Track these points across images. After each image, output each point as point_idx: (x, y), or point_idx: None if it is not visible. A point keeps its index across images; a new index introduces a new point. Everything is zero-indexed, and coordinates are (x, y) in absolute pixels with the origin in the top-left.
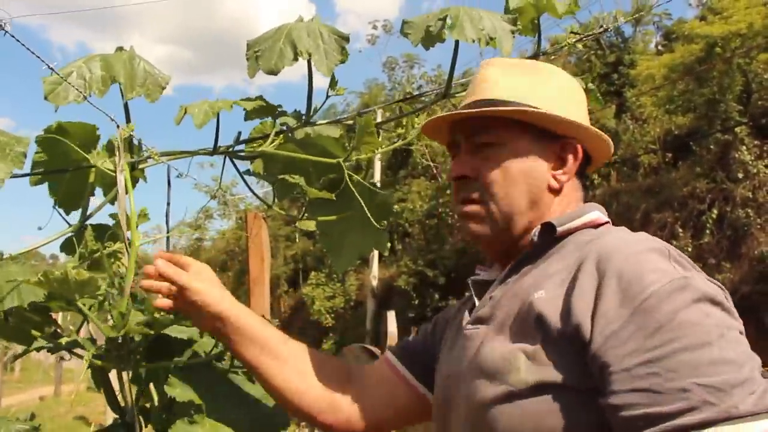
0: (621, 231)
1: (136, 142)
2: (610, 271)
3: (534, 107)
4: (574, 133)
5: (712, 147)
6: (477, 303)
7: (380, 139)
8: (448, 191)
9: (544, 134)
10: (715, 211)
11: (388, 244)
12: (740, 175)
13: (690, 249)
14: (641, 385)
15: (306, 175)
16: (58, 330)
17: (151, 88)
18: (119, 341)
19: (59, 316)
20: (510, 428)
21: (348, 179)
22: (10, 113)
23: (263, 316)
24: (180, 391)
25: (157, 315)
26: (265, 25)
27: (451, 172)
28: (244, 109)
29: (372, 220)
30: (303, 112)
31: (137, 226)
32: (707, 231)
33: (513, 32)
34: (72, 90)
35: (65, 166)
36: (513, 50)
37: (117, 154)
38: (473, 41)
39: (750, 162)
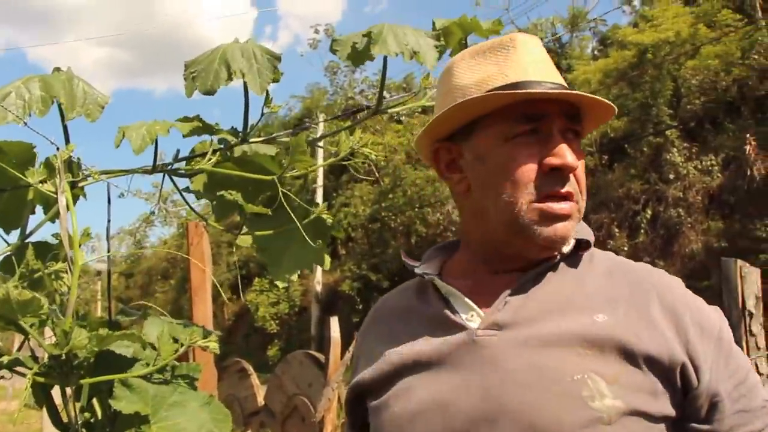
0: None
1: (75, 160)
2: (680, 309)
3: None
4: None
5: (645, 149)
6: (473, 306)
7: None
8: (390, 195)
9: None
10: (649, 211)
11: (328, 259)
12: (672, 176)
13: (626, 248)
14: (738, 407)
15: (245, 191)
16: None
17: (90, 108)
18: (63, 358)
19: None
20: None
21: (283, 197)
22: None
23: (203, 327)
24: (125, 404)
25: (101, 331)
26: (205, 27)
27: (550, 159)
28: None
29: (307, 237)
30: (240, 129)
31: (80, 245)
32: (642, 231)
33: (437, 47)
34: (11, 111)
35: (2, 186)
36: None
37: (57, 175)
38: (396, 55)
39: (680, 163)
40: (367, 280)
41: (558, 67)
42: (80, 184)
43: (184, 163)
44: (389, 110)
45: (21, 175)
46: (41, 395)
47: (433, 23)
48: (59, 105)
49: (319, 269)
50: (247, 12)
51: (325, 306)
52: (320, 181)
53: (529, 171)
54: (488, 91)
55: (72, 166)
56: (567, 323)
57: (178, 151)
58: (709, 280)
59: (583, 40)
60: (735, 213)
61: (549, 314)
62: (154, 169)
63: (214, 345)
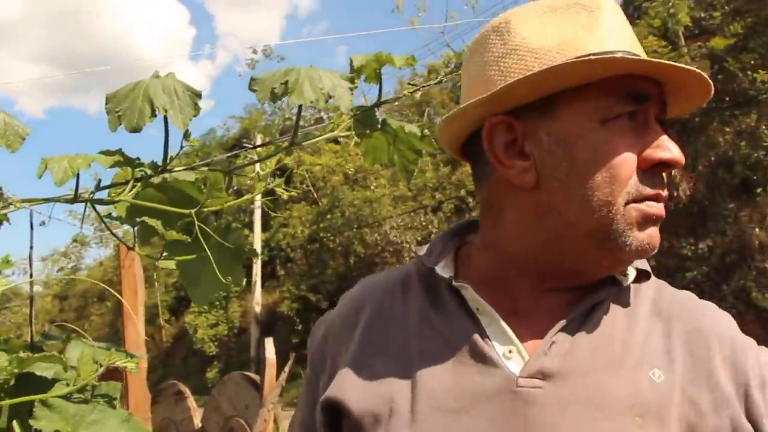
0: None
1: None
2: (740, 358)
3: None
4: None
5: None
6: (513, 338)
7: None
8: (329, 216)
9: None
10: None
11: (244, 281)
12: None
13: None
14: None
15: (166, 217)
16: None
17: (11, 138)
18: None
19: None
20: None
21: (199, 224)
22: None
23: (126, 350)
24: (45, 423)
25: (21, 354)
26: (142, 45)
27: (655, 151)
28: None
29: (221, 261)
30: (159, 161)
31: None
32: None
33: (351, 89)
34: None
35: None
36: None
37: None
38: (311, 102)
39: None
40: (306, 300)
41: None
42: (2, 212)
43: (107, 190)
44: (304, 143)
45: None
46: None
47: (350, 61)
48: None
49: (258, 290)
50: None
51: (264, 327)
52: (258, 202)
53: (630, 164)
54: (582, 56)
55: None
56: (621, 381)
57: (99, 180)
58: None
59: None
60: (662, 232)
61: (602, 364)
62: (75, 199)
63: (132, 366)
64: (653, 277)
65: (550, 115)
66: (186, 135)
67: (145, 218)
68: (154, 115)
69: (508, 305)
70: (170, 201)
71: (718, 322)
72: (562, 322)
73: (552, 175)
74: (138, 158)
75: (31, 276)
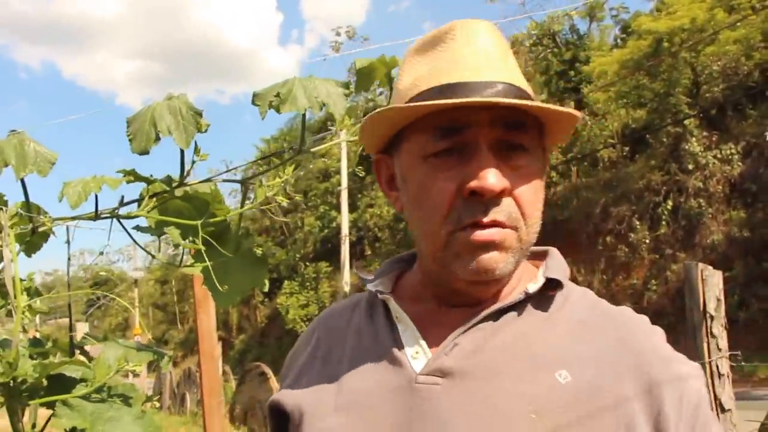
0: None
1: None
2: (659, 377)
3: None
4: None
5: (664, 140)
6: (421, 340)
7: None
8: None
9: (543, 134)
10: (670, 203)
11: (267, 282)
12: (691, 166)
13: (647, 241)
14: None
15: (186, 227)
16: None
17: (41, 165)
18: (11, 384)
19: None
20: None
21: (222, 231)
22: None
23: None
24: (66, 420)
25: (52, 359)
26: (232, 34)
27: (468, 179)
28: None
29: (240, 264)
30: (176, 175)
31: (23, 290)
32: (663, 222)
33: (346, 95)
34: None
35: None
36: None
37: (3, 231)
38: (305, 109)
39: (700, 153)
40: None
41: (576, 59)
42: (40, 229)
43: (136, 205)
44: (312, 150)
45: None
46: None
47: (354, 63)
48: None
49: (347, 271)
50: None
51: None
52: (344, 183)
53: (446, 196)
54: (409, 100)
55: (33, 212)
56: (523, 381)
57: (122, 197)
58: (731, 270)
59: (605, 29)
60: (758, 201)
61: (505, 366)
62: (97, 216)
63: (139, 368)
64: (591, 295)
65: (398, 152)
66: (196, 150)
67: (165, 229)
68: (158, 138)
69: (424, 315)
70: (195, 209)
71: (646, 336)
72: (465, 326)
73: (405, 207)
74: (151, 175)
75: (69, 288)
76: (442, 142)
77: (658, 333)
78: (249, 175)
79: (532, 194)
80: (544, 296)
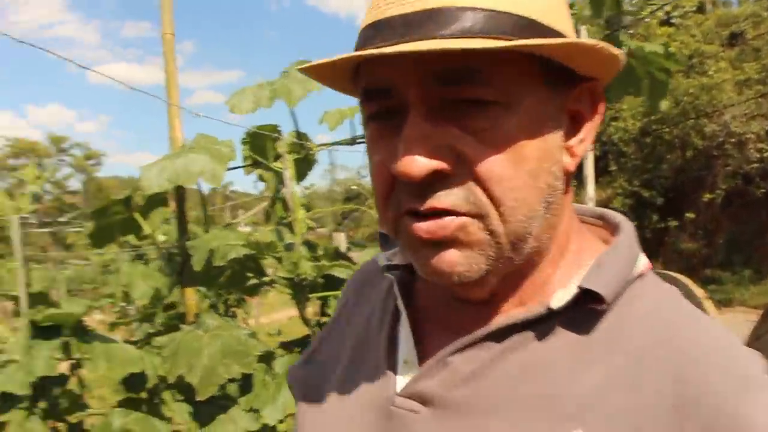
0: (697, 318)
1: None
2: None
3: (539, 22)
4: (599, 70)
5: None
6: (413, 348)
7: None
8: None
9: (558, 76)
10: None
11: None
12: None
13: None
14: None
15: None
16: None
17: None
18: (296, 280)
19: None
20: None
21: None
22: (240, 65)
23: None
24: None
25: (325, 262)
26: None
27: (383, 157)
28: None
29: None
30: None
31: (300, 205)
32: None
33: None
34: (247, 104)
35: (263, 158)
36: None
37: (282, 156)
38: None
39: None
40: (640, 196)
41: None
42: (311, 153)
43: None
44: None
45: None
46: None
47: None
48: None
49: (591, 186)
50: None
51: None
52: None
53: (384, 173)
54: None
55: (303, 140)
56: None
57: None
58: None
59: None
60: None
61: (503, 407)
62: (353, 141)
63: None
64: (674, 296)
65: None
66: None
67: None
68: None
69: (432, 308)
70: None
71: (735, 398)
72: (462, 342)
73: None
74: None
75: (331, 203)
76: (371, 104)
77: (751, 361)
78: None
79: (508, 166)
80: (586, 314)
